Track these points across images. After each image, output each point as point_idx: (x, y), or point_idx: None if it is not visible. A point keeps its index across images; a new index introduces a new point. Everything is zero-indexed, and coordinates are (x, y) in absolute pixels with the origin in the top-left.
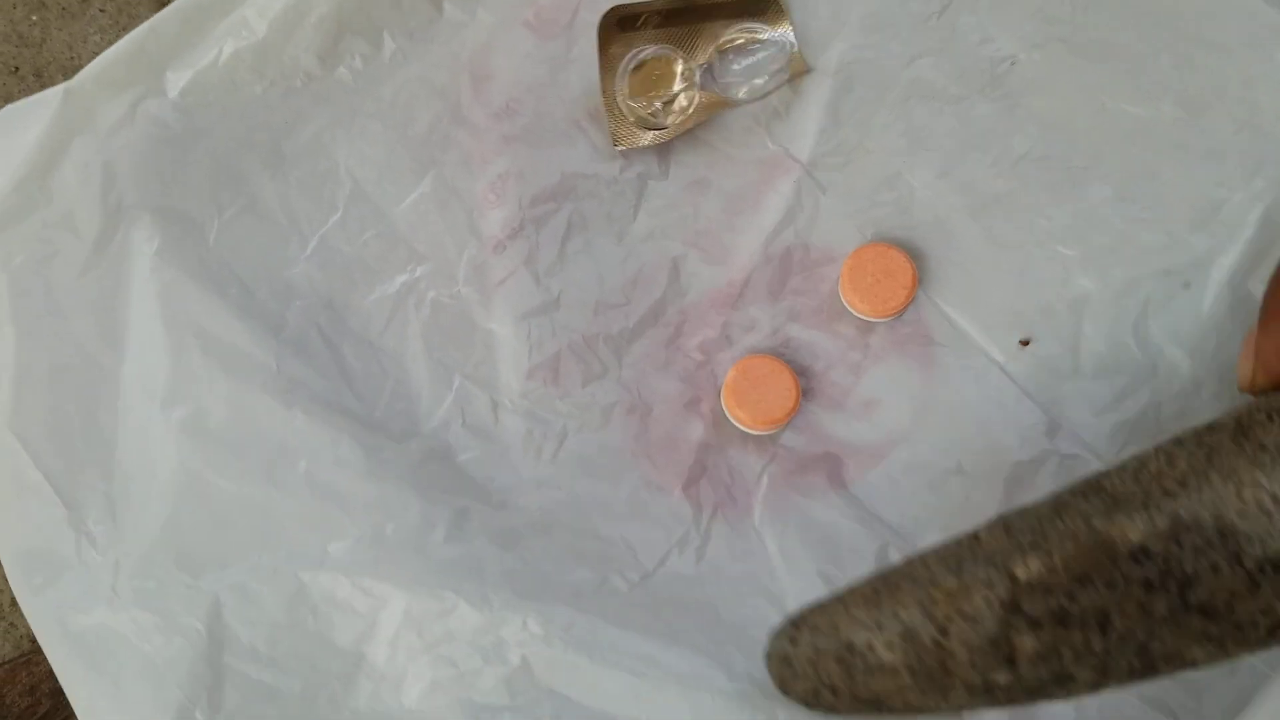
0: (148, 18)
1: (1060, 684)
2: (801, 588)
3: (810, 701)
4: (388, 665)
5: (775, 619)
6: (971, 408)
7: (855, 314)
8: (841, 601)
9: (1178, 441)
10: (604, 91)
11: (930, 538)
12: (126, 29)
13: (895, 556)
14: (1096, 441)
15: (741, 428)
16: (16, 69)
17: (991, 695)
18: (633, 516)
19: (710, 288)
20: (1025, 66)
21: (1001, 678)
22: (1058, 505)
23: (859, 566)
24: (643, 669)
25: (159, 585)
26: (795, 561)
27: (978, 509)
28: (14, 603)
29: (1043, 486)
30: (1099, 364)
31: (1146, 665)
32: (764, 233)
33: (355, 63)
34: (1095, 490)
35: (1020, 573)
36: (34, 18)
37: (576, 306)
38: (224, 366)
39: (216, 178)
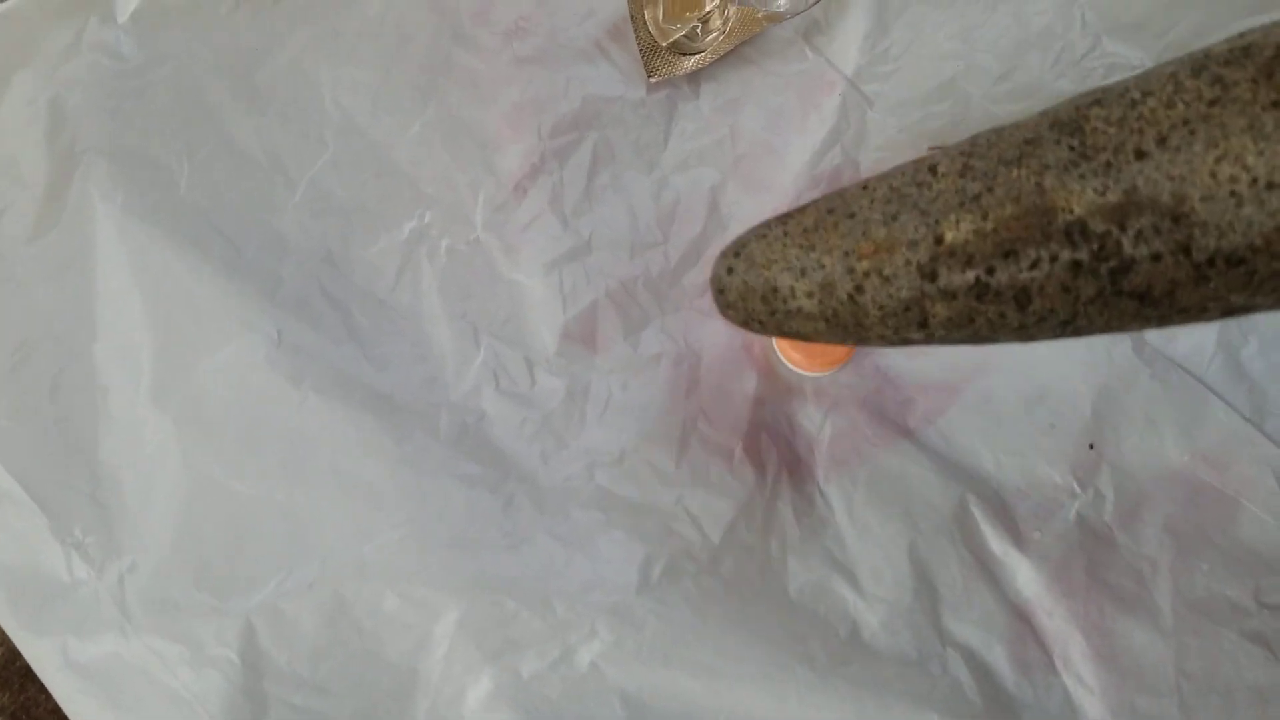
0: None
1: (979, 340)
2: (872, 557)
3: (743, 327)
4: (444, 679)
5: (848, 596)
6: None
7: None
8: (785, 230)
9: (1199, 68)
10: (632, 17)
11: (1014, 481)
12: None
13: (976, 511)
14: (1190, 358)
15: (796, 370)
16: None
17: (908, 343)
18: (694, 483)
19: (754, 218)
20: None
21: (915, 335)
22: (1029, 141)
23: (935, 522)
24: (720, 666)
25: (178, 610)
26: (864, 526)
27: (1066, 437)
28: None
29: (1135, 409)
30: None
31: (1075, 333)
32: (808, 154)
33: None
34: (1074, 130)
35: (948, 234)
36: None
37: (609, 249)
38: (218, 339)
39: (182, 114)
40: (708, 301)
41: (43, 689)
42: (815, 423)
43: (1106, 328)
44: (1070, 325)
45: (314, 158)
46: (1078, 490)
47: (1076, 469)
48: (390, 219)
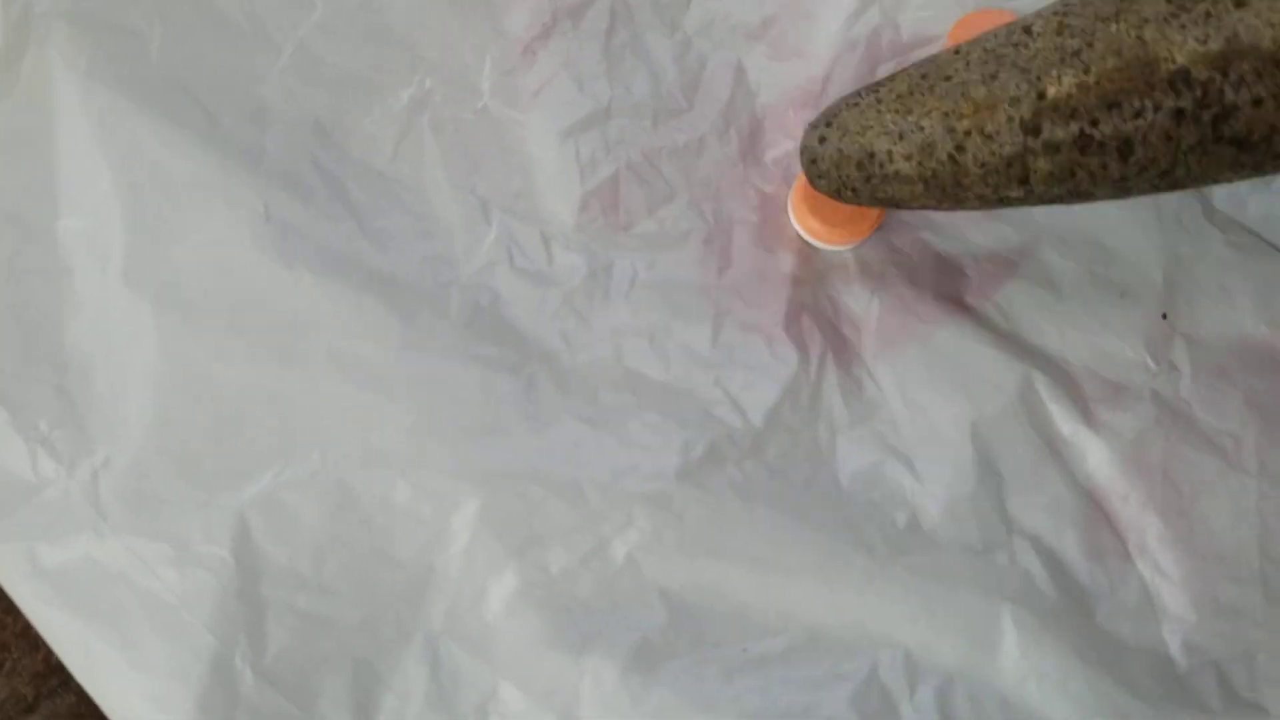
0: None
1: (1077, 198)
2: (929, 441)
3: (834, 196)
4: (463, 576)
5: (905, 483)
6: None
7: None
8: (877, 98)
9: None
10: None
11: (1081, 356)
12: None
13: (1042, 389)
14: (1262, 223)
15: (816, 242)
16: None
17: (1005, 203)
18: (731, 364)
19: (786, 86)
20: None
21: (1015, 193)
22: None
23: (997, 403)
24: (770, 557)
25: (161, 506)
26: (919, 408)
27: (1136, 308)
28: None
29: (1208, 277)
30: None
31: (1170, 185)
32: (843, 15)
33: None
34: None
35: (1051, 89)
36: None
37: (630, 116)
38: (197, 215)
39: None
40: (738, 174)
41: (9, 609)
42: (861, 302)
43: (1202, 177)
44: (1169, 175)
45: (300, 20)
46: (1151, 364)
47: (1149, 342)
48: (387, 86)
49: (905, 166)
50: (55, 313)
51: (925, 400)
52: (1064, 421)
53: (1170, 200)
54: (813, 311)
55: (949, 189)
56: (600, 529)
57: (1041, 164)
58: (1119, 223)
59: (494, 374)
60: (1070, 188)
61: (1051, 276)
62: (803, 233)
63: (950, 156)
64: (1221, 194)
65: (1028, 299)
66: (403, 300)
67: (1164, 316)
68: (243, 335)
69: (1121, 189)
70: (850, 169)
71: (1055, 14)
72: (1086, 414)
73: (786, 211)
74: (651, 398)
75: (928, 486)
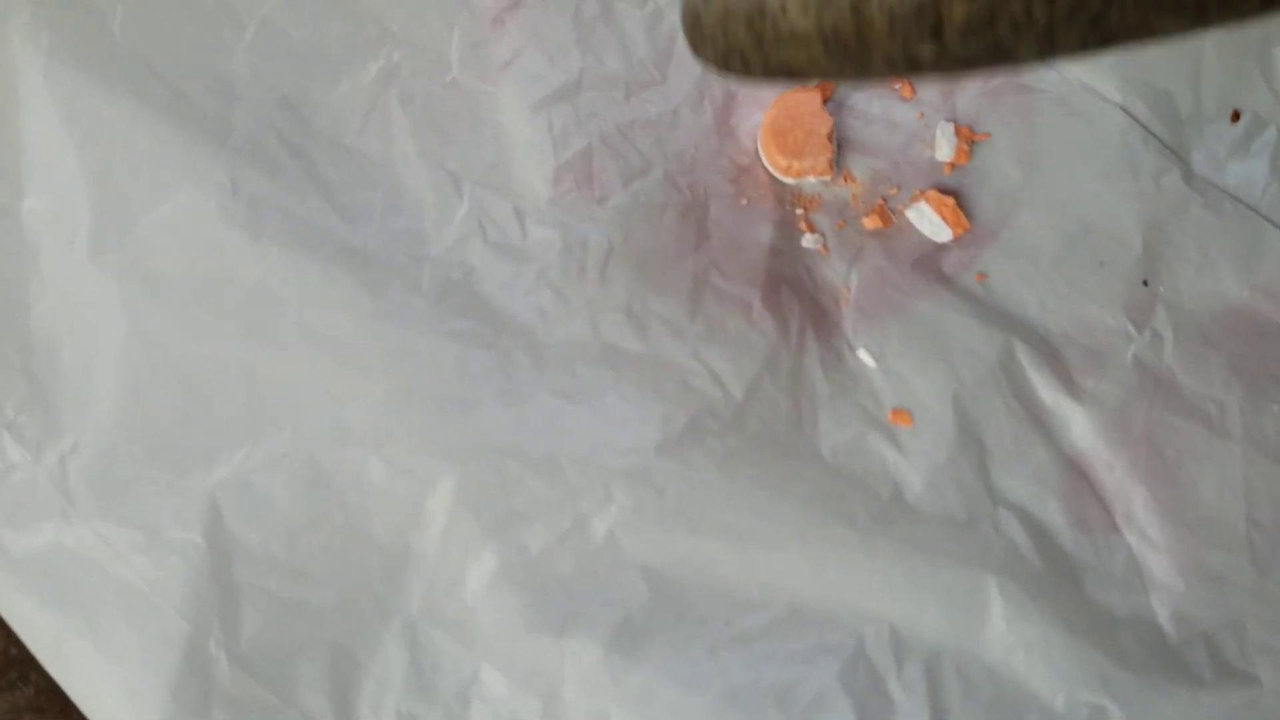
0: None
1: (997, 57)
2: (910, 412)
3: (721, 67)
4: (441, 558)
5: (887, 455)
6: (1091, 158)
7: None
8: None
9: None
10: None
11: (1062, 325)
12: None
13: (1023, 358)
14: (1242, 187)
15: (783, 178)
16: None
17: (915, 67)
18: (710, 338)
19: None
20: None
21: (926, 50)
22: None
23: (978, 373)
24: (752, 530)
25: (130, 490)
26: (901, 380)
27: (1116, 276)
28: None
29: (1188, 242)
30: (1222, 99)
31: (1103, 39)
32: None
33: None
34: None
35: None
36: None
37: (602, 88)
38: (163, 190)
39: None
40: (713, 145)
41: None
42: (839, 273)
43: (1138, 28)
44: (1101, 24)
45: None
46: (1133, 332)
47: (1130, 309)
48: (353, 60)
49: (801, 22)
50: (21, 294)
51: (906, 372)
52: (1046, 390)
53: (1148, 165)
54: (791, 283)
55: (852, 48)
56: (579, 505)
57: (957, 10)
58: (1097, 190)
59: (468, 349)
60: (990, 42)
61: (1031, 247)
62: (770, 168)
63: (853, 5)
64: (1200, 157)
65: (1007, 270)
66: (373, 274)
67: (1145, 283)
68: (211, 310)
69: (1047, 43)
70: (739, 29)
71: None
72: (1069, 383)
73: (762, 178)
74: (630, 371)
75: (910, 459)
